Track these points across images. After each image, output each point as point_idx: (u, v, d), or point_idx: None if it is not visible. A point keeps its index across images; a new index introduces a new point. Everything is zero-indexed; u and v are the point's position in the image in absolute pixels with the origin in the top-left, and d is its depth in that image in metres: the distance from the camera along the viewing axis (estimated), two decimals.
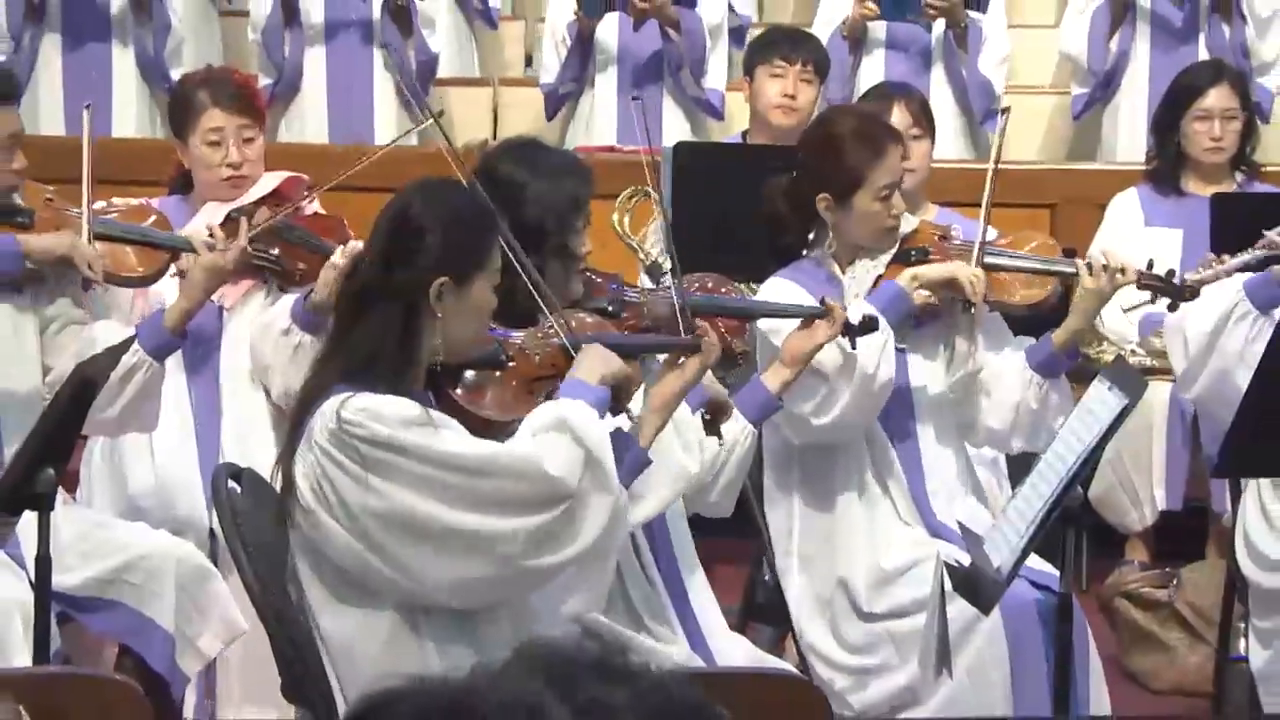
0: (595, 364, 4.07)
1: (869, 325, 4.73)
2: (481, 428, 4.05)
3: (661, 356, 4.27)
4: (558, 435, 3.91)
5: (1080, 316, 5.04)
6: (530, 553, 3.87)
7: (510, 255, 4.09)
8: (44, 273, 4.98)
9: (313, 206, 5.41)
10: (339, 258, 5.04)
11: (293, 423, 3.97)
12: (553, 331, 4.16)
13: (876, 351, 4.80)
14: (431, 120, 4.59)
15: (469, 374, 4.08)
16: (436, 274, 3.89)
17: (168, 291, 5.23)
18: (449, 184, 4.16)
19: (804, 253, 5.04)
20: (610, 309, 4.52)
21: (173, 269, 5.20)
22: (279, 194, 5.39)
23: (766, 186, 5.08)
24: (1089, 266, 5.00)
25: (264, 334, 5.27)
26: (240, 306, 5.41)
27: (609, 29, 7.92)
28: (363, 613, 3.92)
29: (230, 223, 5.25)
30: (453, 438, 3.89)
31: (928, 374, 5.06)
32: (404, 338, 3.90)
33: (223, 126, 5.39)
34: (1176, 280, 5.11)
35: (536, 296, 4.15)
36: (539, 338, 4.19)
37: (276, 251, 5.27)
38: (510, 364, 4.14)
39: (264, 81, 7.81)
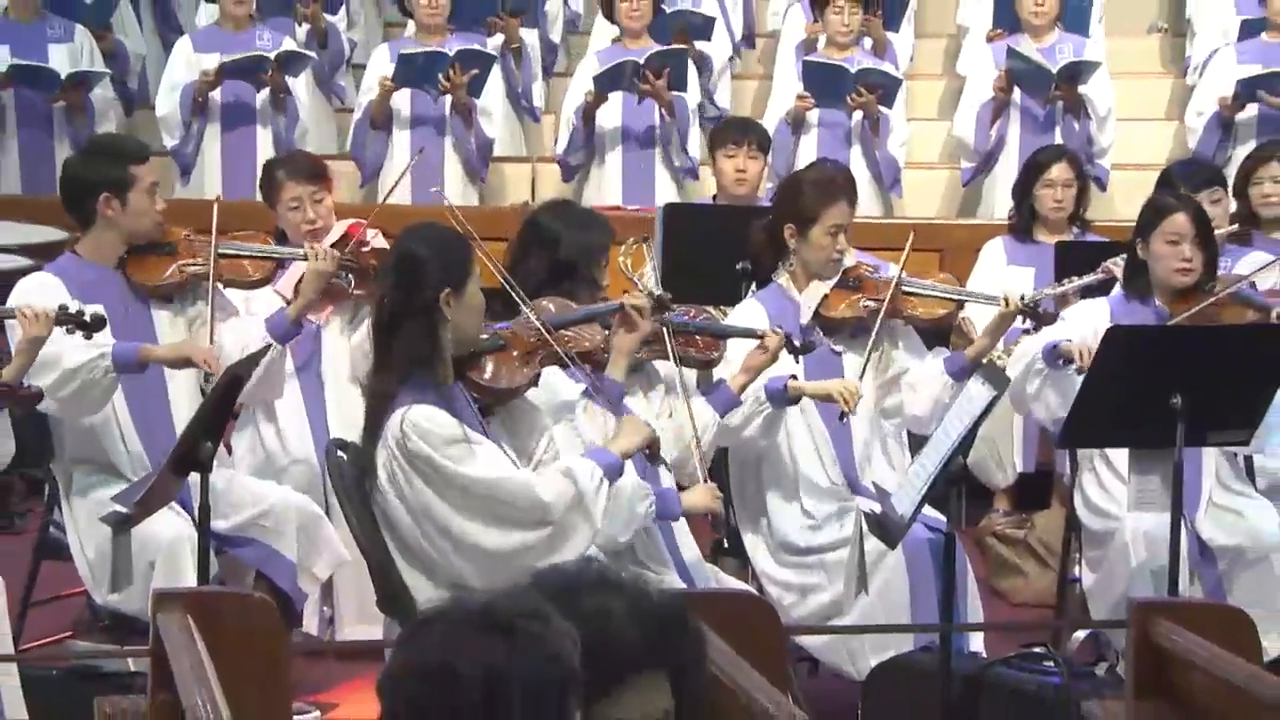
0: (627, 435, 4.06)
1: (808, 347, 4.69)
2: (503, 396, 4.05)
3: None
4: (558, 474, 3.89)
5: (992, 337, 4.99)
6: (517, 561, 3.82)
7: (492, 267, 4.11)
8: (185, 286, 4.92)
9: (378, 242, 5.34)
10: None
11: (370, 419, 3.91)
12: (530, 318, 4.15)
13: (743, 418, 4.67)
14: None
15: (482, 359, 4.06)
16: (441, 288, 3.85)
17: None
18: (430, 224, 4.13)
19: (773, 276, 4.98)
20: None
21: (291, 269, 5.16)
22: (347, 236, 5.35)
23: (752, 227, 5.02)
24: (1006, 300, 4.96)
25: (359, 353, 5.17)
26: (330, 322, 5.38)
27: (614, 111, 7.79)
28: (424, 568, 3.92)
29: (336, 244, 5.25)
30: (483, 459, 3.84)
31: (856, 371, 4.97)
32: (431, 341, 3.85)
33: (299, 195, 5.36)
34: (1040, 310, 5.09)
35: (515, 293, 4.15)
36: (522, 323, 4.17)
37: (353, 258, 5.20)
38: (508, 344, 4.12)
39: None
